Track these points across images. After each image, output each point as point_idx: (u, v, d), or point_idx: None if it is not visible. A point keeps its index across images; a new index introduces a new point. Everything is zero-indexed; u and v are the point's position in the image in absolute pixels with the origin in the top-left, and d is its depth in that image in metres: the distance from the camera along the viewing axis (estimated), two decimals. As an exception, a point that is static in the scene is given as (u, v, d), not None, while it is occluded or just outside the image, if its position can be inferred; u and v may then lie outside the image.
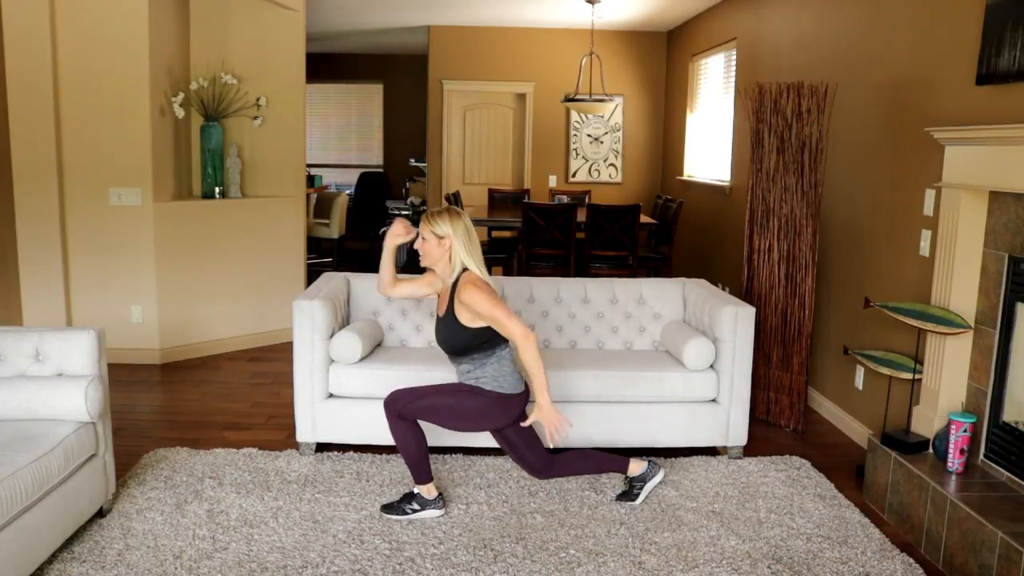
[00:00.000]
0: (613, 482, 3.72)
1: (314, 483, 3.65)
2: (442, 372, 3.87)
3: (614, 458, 3.56)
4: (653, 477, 3.56)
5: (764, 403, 4.66)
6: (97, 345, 3.22)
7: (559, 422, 3.19)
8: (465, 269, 3.29)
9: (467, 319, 3.23)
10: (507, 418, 3.33)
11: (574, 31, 8.93)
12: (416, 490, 3.39)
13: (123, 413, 4.51)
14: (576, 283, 4.51)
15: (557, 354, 4.22)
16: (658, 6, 7.64)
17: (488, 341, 3.26)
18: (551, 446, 3.34)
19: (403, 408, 3.30)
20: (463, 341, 3.26)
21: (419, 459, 3.36)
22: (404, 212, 9.95)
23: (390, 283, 3.53)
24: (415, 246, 3.37)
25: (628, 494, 3.56)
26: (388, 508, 3.39)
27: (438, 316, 3.37)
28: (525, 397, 3.37)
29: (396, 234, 3.42)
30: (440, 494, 3.43)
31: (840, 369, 4.65)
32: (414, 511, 3.36)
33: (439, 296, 3.42)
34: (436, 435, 3.87)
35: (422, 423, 3.40)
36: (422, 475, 3.37)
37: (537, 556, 3.06)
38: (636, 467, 3.56)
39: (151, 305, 5.43)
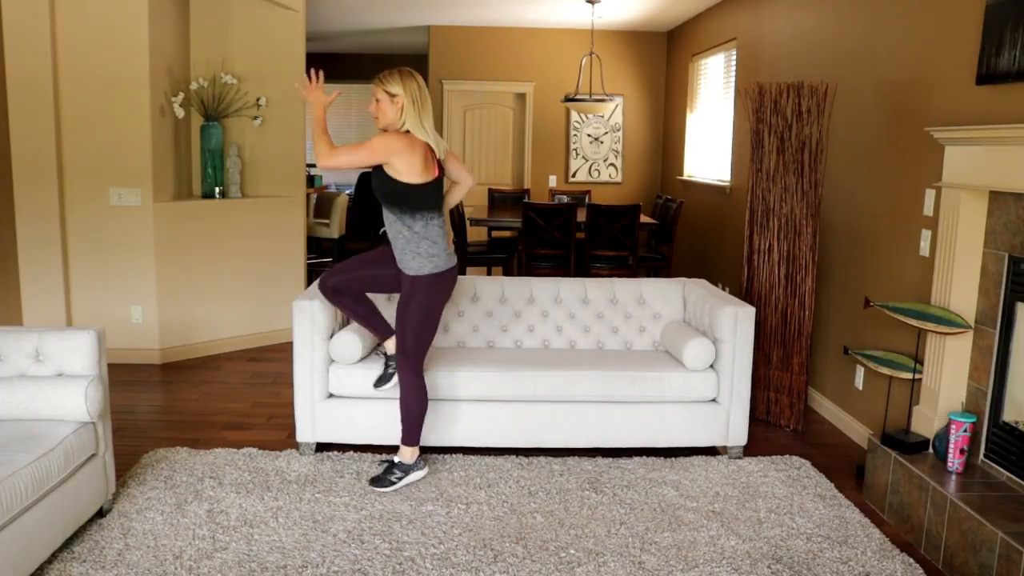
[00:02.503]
0: (613, 482, 3.72)
1: (314, 483, 3.65)
2: (441, 372, 3.87)
3: (382, 325, 3.73)
4: (418, 471, 3.63)
5: (764, 403, 4.66)
6: (97, 345, 3.22)
7: (312, 85, 3.38)
8: (408, 132, 3.37)
9: (392, 171, 3.34)
10: (447, 291, 3.56)
11: (574, 31, 8.93)
12: (396, 458, 3.59)
13: (123, 413, 4.51)
14: (576, 283, 4.51)
15: (557, 354, 4.23)
16: (658, 6, 7.64)
17: (408, 199, 3.35)
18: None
19: (411, 363, 3.52)
20: (386, 191, 3.37)
21: (416, 419, 3.57)
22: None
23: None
24: (369, 108, 3.44)
25: (384, 377, 3.75)
26: (375, 481, 3.57)
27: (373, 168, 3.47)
28: (456, 271, 3.58)
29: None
30: (421, 456, 3.63)
31: (840, 369, 4.65)
32: (399, 479, 3.55)
33: None
34: (437, 435, 3.88)
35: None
36: (411, 436, 3.58)
37: (537, 556, 3.06)
38: (391, 345, 3.69)
39: (151, 305, 5.43)
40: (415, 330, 3.51)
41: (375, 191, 3.46)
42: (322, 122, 3.39)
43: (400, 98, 3.31)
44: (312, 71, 3.47)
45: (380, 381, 3.77)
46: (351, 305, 3.68)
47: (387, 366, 3.77)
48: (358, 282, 3.65)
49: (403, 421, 3.60)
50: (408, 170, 3.33)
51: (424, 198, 3.39)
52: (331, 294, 3.66)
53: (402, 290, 3.53)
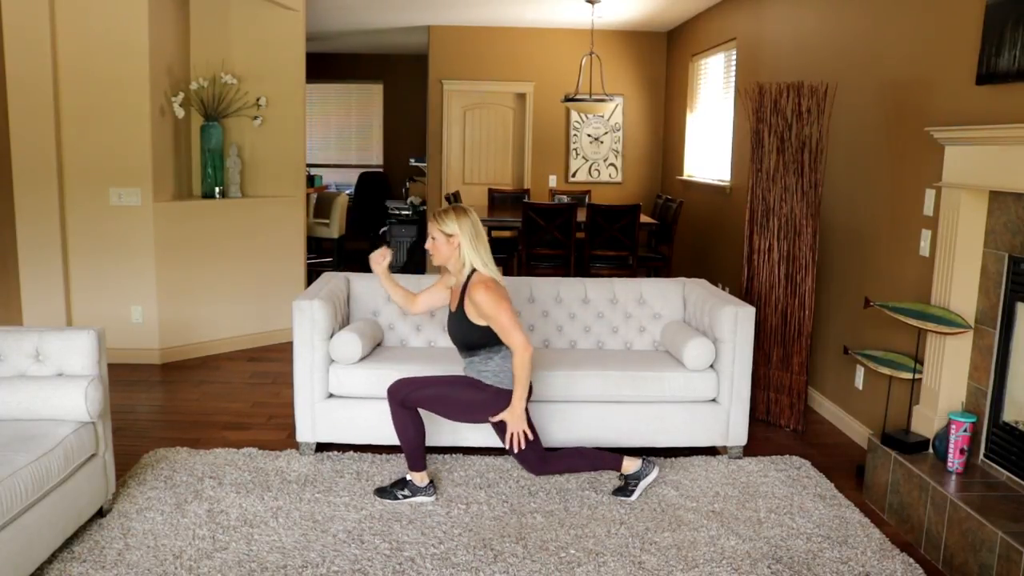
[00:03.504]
0: (614, 481, 3.72)
1: (314, 483, 3.65)
2: (441, 372, 3.87)
3: (609, 456, 3.59)
4: (648, 475, 3.58)
5: (764, 403, 4.66)
6: (97, 345, 3.22)
7: (521, 430, 3.34)
8: (475, 269, 3.36)
9: (476, 317, 3.32)
10: (498, 409, 3.41)
11: (574, 31, 8.93)
12: (408, 476, 3.52)
13: (123, 413, 4.51)
14: (576, 283, 4.51)
15: (557, 354, 4.22)
16: (658, 6, 7.64)
17: (497, 338, 3.35)
18: (507, 448, 3.40)
19: (406, 397, 3.43)
20: (472, 337, 3.37)
21: (416, 447, 3.48)
22: (404, 212, 9.94)
23: (407, 301, 3.64)
24: (426, 246, 3.44)
25: (624, 490, 3.59)
26: (380, 492, 3.52)
27: (450, 310, 3.47)
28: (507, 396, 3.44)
29: (377, 263, 3.56)
30: (431, 481, 3.55)
31: (840, 369, 4.64)
32: (405, 496, 3.49)
33: (451, 291, 3.51)
34: (436, 435, 3.87)
35: (424, 413, 3.52)
36: (417, 463, 3.50)
37: (537, 556, 3.06)
38: (630, 465, 3.58)
39: (151, 305, 5.43)
40: (438, 397, 3.43)
41: (456, 339, 3.43)
42: (517, 399, 3.33)
43: (456, 238, 3.32)
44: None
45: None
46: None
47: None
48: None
49: (403, 450, 3.51)
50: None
51: None
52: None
53: (481, 395, 3.40)
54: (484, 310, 3.26)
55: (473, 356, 3.42)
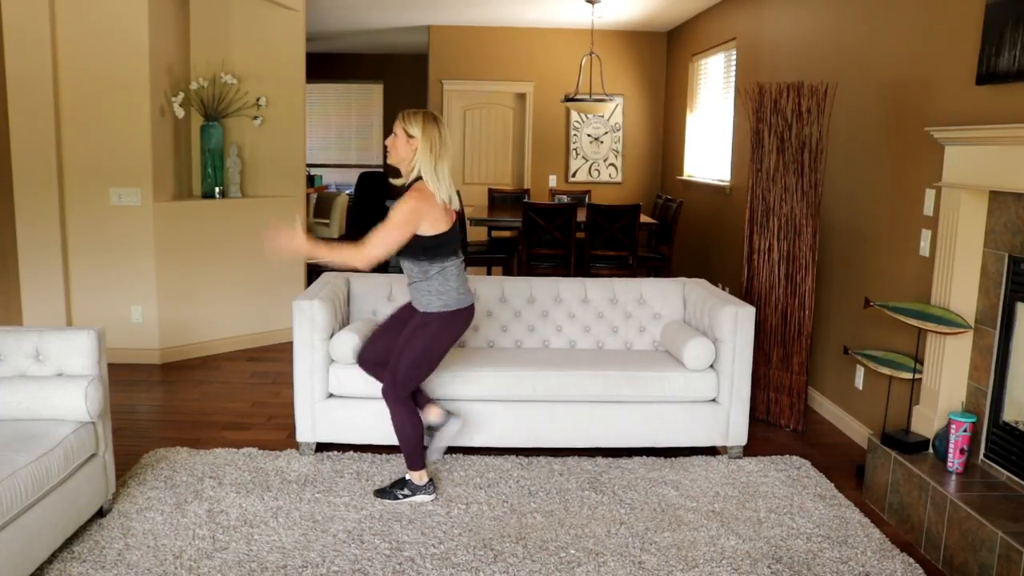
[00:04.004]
0: (613, 482, 3.72)
1: (314, 483, 3.65)
2: (441, 372, 3.87)
3: (424, 396, 3.60)
4: (449, 426, 3.55)
5: (764, 403, 4.66)
6: (97, 345, 3.22)
7: (282, 245, 3.16)
8: (420, 178, 3.25)
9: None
10: (457, 333, 3.41)
11: (574, 31, 8.93)
12: (408, 476, 3.50)
13: (123, 413, 4.51)
14: (576, 283, 4.51)
15: (557, 354, 4.22)
16: (658, 6, 7.64)
17: (430, 253, 3.26)
18: (266, 237, 3.22)
19: (399, 391, 3.40)
20: (407, 246, 3.24)
21: (414, 445, 3.46)
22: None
23: (357, 248, 3.26)
24: (385, 141, 3.35)
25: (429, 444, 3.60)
26: (380, 493, 3.51)
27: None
28: (470, 312, 3.42)
29: (285, 243, 3.22)
30: (431, 480, 3.53)
31: (840, 369, 4.64)
32: (405, 496, 3.47)
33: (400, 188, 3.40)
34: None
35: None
36: (415, 461, 3.48)
37: (537, 556, 3.06)
38: (434, 414, 3.55)
39: (151, 305, 5.43)
40: (411, 364, 3.37)
41: (401, 248, 3.32)
42: (320, 247, 3.20)
43: (416, 141, 3.22)
44: (266, 231, 3.28)
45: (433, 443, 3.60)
46: (406, 420, 3.48)
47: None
48: (388, 345, 3.49)
49: (400, 446, 3.50)
50: (431, 226, 3.24)
51: (443, 247, 3.29)
52: (370, 367, 3.56)
53: (411, 322, 3.41)
54: (395, 207, 3.16)
55: (411, 267, 3.31)
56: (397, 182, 3.40)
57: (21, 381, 3.07)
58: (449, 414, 3.59)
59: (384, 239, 3.19)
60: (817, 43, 5.11)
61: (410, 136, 3.23)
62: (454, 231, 3.35)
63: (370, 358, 3.58)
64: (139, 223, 5.32)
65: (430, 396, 3.73)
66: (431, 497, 3.49)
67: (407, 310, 3.55)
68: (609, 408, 3.96)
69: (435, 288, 3.32)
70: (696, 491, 3.65)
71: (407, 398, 3.45)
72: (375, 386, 3.85)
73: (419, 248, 3.27)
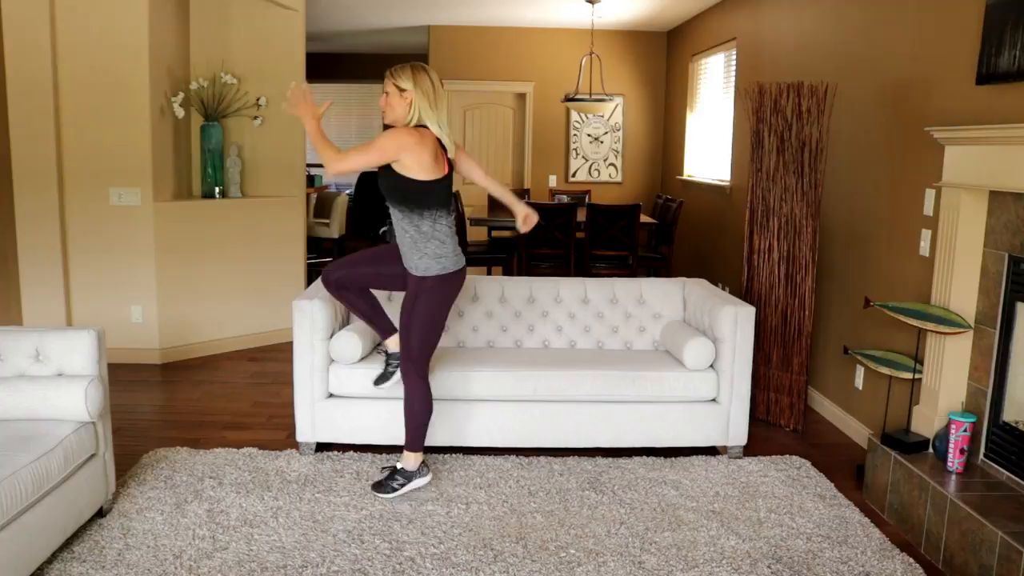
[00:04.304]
0: (613, 482, 3.72)
1: (314, 483, 3.65)
2: (441, 372, 3.88)
3: (385, 321, 3.65)
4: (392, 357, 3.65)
5: (764, 403, 4.66)
6: (97, 345, 3.22)
7: (300, 109, 3.24)
8: (423, 126, 3.24)
9: (400, 168, 3.23)
10: (455, 292, 3.47)
11: (574, 31, 8.93)
12: (399, 464, 3.51)
13: (123, 413, 4.51)
14: (576, 283, 4.51)
15: (557, 354, 4.23)
16: (658, 6, 7.64)
17: (417, 196, 3.25)
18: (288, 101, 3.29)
19: (418, 366, 3.44)
20: (394, 188, 3.26)
21: (422, 424, 3.49)
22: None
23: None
24: (379, 102, 3.34)
25: (384, 376, 3.69)
26: (377, 487, 3.52)
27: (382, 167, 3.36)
28: (465, 272, 3.49)
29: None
30: (424, 462, 3.56)
31: (840, 369, 4.64)
32: (401, 485, 3.48)
33: None
34: (437, 435, 3.87)
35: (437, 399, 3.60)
36: (417, 442, 3.50)
37: (537, 556, 3.06)
38: (394, 343, 3.65)
39: (151, 305, 5.43)
40: (421, 333, 3.41)
41: (381, 189, 3.34)
42: (319, 132, 3.26)
43: (410, 93, 3.21)
44: (295, 85, 3.35)
45: (380, 379, 3.73)
46: (353, 300, 3.59)
47: (387, 364, 3.72)
48: (363, 278, 3.54)
49: (407, 426, 3.50)
50: (418, 166, 3.21)
51: (433, 196, 3.27)
52: (334, 288, 3.57)
53: (408, 290, 3.44)
54: (382, 134, 3.18)
55: (404, 222, 3.31)
56: None
57: (21, 381, 3.06)
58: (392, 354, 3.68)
59: (362, 153, 3.20)
60: (817, 43, 5.11)
61: (402, 90, 3.21)
62: (447, 182, 3.33)
63: (335, 279, 3.52)
64: (139, 223, 5.32)
65: (393, 326, 3.70)
66: (427, 479, 3.51)
67: (395, 258, 3.46)
68: (609, 408, 3.96)
69: (432, 251, 3.32)
70: (696, 491, 3.65)
71: (426, 373, 3.48)
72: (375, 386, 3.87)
73: (407, 193, 3.25)
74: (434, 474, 3.73)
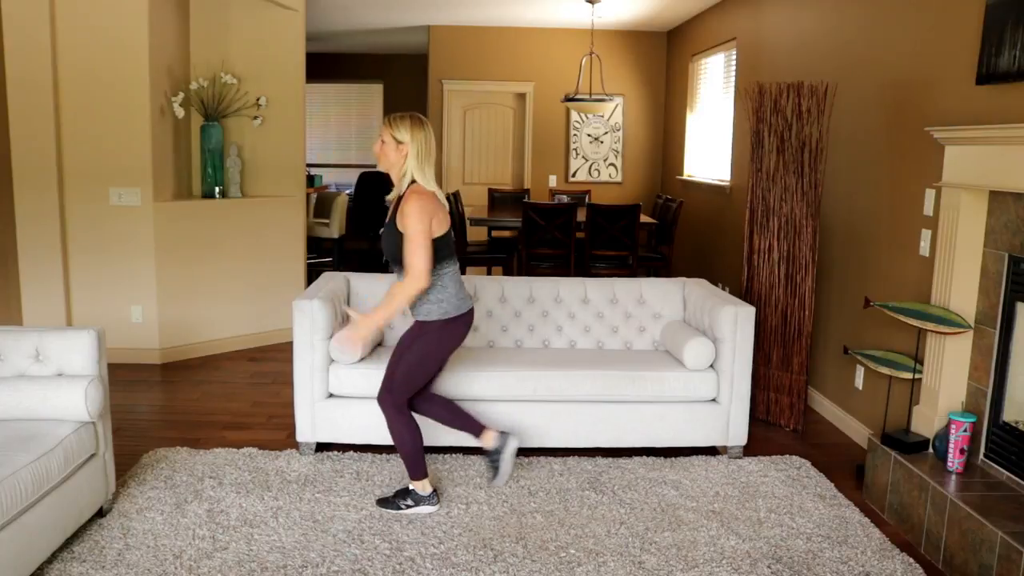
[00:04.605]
0: (613, 482, 3.72)
1: (314, 483, 3.65)
2: (442, 372, 3.87)
3: (472, 421, 3.55)
4: (506, 447, 3.52)
5: (764, 403, 4.66)
6: (97, 345, 3.22)
7: (356, 341, 3.25)
8: (414, 181, 3.22)
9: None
10: (457, 339, 3.35)
11: (574, 31, 8.93)
12: (411, 486, 3.42)
13: (123, 413, 4.51)
14: (576, 283, 4.51)
15: (557, 354, 4.23)
16: (658, 6, 7.65)
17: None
18: (335, 348, 3.25)
19: (395, 397, 3.33)
20: (401, 251, 3.21)
21: (414, 453, 3.38)
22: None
23: (407, 281, 3.29)
24: (373, 148, 3.32)
25: (490, 468, 3.57)
26: (383, 502, 3.45)
27: (385, 222, 3.32)
28: (470, 317, 3.36)
29: (352, 345, 3.38)
30: (435, 490, 3.46)
31: (840, 369, 4.64)
32: (408, 507, 3.39)
33: (391, 204, 3.36)
34: (436, 434, 3.87)
35: (424, 420, 3.44)
36: (417, 471, 3.40)
37: (537, 556, 3.06)
38: (489, 439, 3.53)
39: (151, 305, 5.43)
40: (408, 371, 3.31)
41: (388, 249, 3.27)
42: (375, 313, 3.24)
43: (405, 146, 3.19)
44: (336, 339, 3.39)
45: (493, 478, 3.58)
46: (430, 409, 3.50)
47: (491, 461, 3.56)
48: (409, 375, 3.36)
49: (402, 458, 3.42)
50: (436, 226, 3.20)
51: (441, 249, 3.24)
52: (391, 410, 3.38)
53: (411, 329, 3.35)
54: (404, 220, 3.13)
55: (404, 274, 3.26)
56: (391, 196, 3.36)
57: (21, 381, 3.06)
58: (504, 434, 3.55)
59: (417, 250, 3.12)
60: (817, 43, 5.11)
61: (399, 142, 3.20)
62: (451, 234, 3.32)
63: (390, 401, 3.37)
64: (139, 223, 5.32)
65: (480, 420, 3.62)
66: (434, 508, 3.41)
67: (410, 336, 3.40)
68: (609, 408, 3.96)
69: (433, 296, 3.25)
70: (696, 491, 3.65)
71: (403, 405, 3.36)
72: (375, 386, 3.85)
73: None
74: (434, 474, 3.73)
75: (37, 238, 5.21)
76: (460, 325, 3.33)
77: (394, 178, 3.29)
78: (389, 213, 3.32)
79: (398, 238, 3.19)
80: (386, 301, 3.22)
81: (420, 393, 3.48)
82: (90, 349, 3.19)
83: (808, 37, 5.28)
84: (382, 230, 3.36)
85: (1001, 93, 3.27)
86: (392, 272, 3.39)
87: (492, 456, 3.55)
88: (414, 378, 3.35)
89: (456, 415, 3.56)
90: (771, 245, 4.59)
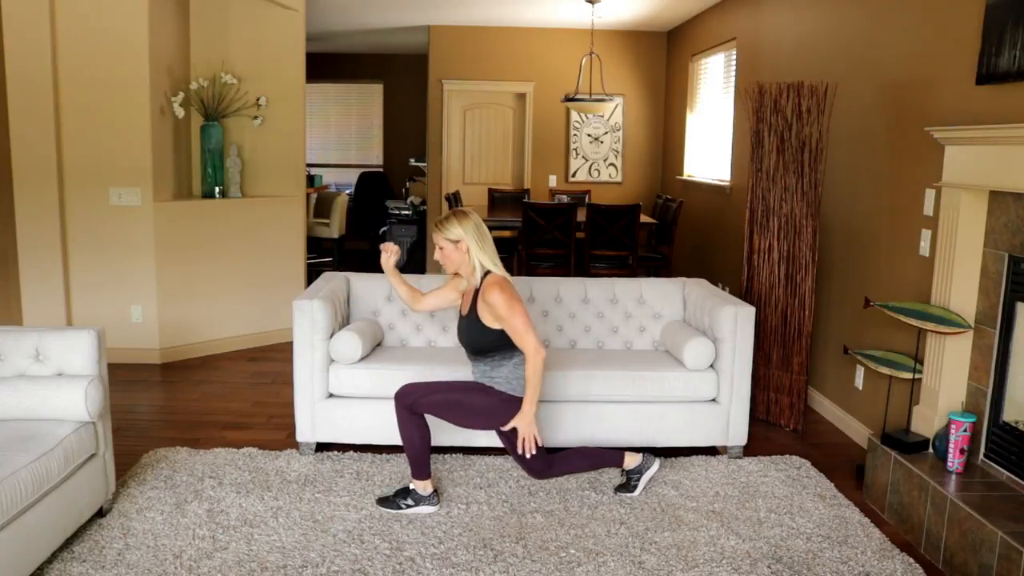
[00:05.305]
0: (614, 480, 3.72)
1: (314, 483, 3.65)
2: (442, 372, 3.87)
3: (610, 454, 3.59)
4: (649, 468, 3.60)
5: (764, 403, 4.66)
6: (97, 345, 3.22)
7: (532, 436, 3.31)
8: (488, 272, 3.32)
9: (490, 320, 3.29)
10: (505, 420, 3.39)
11: (574, 31, 8.93)
12: (412, 485, 3.43)
13: (123, 413, 4.51)
14: (576, 283, 4.51)
15: (557, 354, 4.22)
16: (658, 6, 7.64)
17: (509, 344, 3.31)
18: (520, 453, 3.37)
19: (414, 402, 3.37)
20: (484, 341, 3.32)
21: (421, 454, 3.41)
22: (404, 212, 9.94)
23: (413, 299, 3.60)
24: (435, 257, 3.41)
25: (626, 486, 3.60)
26: (383, 501, 3.46)
27: (461, 314, 3.44)
28: (520, 403, 3.39)
29: (385, 260, 3.50)
30: (435, 490, 3.47)
31: (840, 369, 4.64)
32: (408, 506, 3.41)
33: (463, 295, 3.48)
34: (436, 434, 3.87)
35: (429, 419, 3.47)
36: (421, 471, 3.41)
37: (537, 556, 3.06)
38: (632, 460, 3.60)
39: (151, 305, 5.43)
40: (447, 405, 3.36)
41: (468, 342, 3.36)
42: (529, 407, 3.30)
43: (464, 242, 3.28)
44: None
45: (624, 492, 3.61)
46: (564, 467, 3.55)
47: (629, 479, 3.62)
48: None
49: (408, 457, 3.43)
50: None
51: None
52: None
53: (481, 386, 3.39)
54: (499, 311, 3.22)
55: (483, 361, 3.38)
56: (463, 289, 3.45)
57: (21, 381, 3.06)
58: (647, 456, 3.63)
59: (526, 333, 3.22)
60: (817, 43, 5.11)
61: (455, 242, 3.29)
62: None
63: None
64: (139, 223, 5.32)
65: (614, 449, 3.66)
66: (435, 509, 3.41)
67: (479, 390, 3.43)
68: (609, 408, 3.96)
69: (505, 374, 3.35)
70: (696, 491, 3.65)
71: (409, 405, 3.37)
72: (375, 386, 3.86)
73: (503, 341, 3.31)
74: (434, 473, 3.73)
75: (37, 238, 5.22)
76: (513, 409, 3.36)
77: (466, 275, 3.38)
78: (464, 306, 3.41)
79: (477, 330, 3.31)
80: (527, 390, 3.29)
81: (553, 452, 3.55)
82: (90, 349, 3.19)
83: (808, 37, 5.28)
84: (460, 322, 3.45)
85: (1001, 93, 3.27)
86: (470, 361, 3.47)
87: (632, 473, 3.61)
88: (445, 411, 3.40)
89: (595, 458, 3.61)
90: (771, 245, 4.59)
